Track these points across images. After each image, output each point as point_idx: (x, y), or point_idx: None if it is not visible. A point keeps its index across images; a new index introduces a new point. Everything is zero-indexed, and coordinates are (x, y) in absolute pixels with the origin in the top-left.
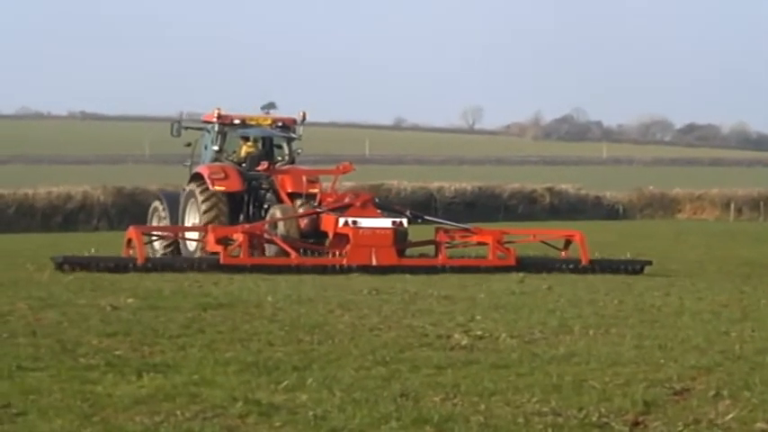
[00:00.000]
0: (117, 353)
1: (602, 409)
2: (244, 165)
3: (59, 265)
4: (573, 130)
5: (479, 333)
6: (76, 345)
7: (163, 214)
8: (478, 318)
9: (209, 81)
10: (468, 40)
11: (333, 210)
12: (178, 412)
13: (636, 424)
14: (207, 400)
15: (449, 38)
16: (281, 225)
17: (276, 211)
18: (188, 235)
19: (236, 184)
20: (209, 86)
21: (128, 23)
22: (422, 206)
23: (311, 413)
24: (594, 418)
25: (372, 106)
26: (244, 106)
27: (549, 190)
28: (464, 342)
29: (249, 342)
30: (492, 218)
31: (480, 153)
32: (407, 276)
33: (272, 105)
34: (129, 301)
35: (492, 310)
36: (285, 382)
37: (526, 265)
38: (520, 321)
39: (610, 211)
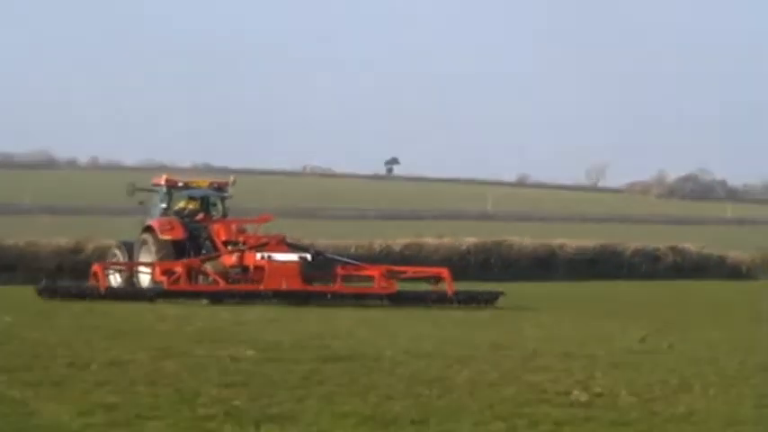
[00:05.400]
0: (235, 403)
1: None
2: (186, 219)
3: (39, 293)
4: (697, 189)
5: (598, 390)
6: (195, 395)
7: (121, 258)
8: (598, 375)
9: (330, 137)
10: (593, 98)
11: (252, 248)
12: None
13: None
14: None
15: (575, 96)
16: (211, 265)
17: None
18: (141, 273)
19: (179, 234)
20: (329, 142)
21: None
22: (543, 262)
23: None
24: None
25: (496, 163)
26: (367, 160)
27: (672, 249)
28: (583, 399)
29: (367, 395)
30: (614, 275)
31: (603, 211)
32: (527, 333)
33: (395, 161)
34: (249, 352)
35: (612, 367)
36: None
37: (403, 295)
38: (639, 379)
39: (733, 271)
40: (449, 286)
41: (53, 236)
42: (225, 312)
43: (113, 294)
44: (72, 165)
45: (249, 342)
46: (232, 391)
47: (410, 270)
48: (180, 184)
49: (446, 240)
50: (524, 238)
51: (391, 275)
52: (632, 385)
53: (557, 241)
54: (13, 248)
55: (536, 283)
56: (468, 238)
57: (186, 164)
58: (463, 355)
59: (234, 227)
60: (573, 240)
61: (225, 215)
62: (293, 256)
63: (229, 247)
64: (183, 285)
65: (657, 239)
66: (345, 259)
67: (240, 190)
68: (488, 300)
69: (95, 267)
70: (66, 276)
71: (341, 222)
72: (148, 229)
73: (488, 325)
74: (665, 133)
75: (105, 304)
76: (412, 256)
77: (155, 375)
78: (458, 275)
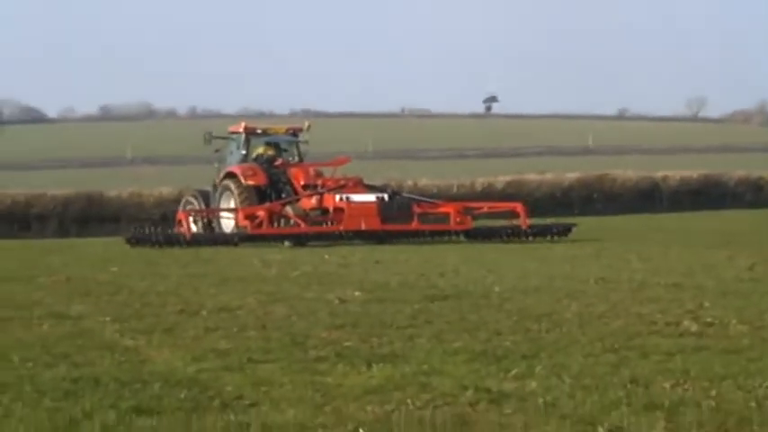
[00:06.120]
0: (346, 344)
1: None
2: (264, 164)
3: (128, 241)
4: None
5: (709, 320)
6: (306, 337)
7: (197, 206)
8: (707, 305)
9: (428, 77)
10: (691, 28)
11: (331, 190)
12: (409, 401)
13: None
14: (437, 388)
15: (671, 27)
16: (291, 208)
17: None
18: (224, 218)
19: (262, 179)
20: (427, 82)
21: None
22: (646, 195)
23: (541, 400)
24: None
25: (595, 97)
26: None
27: None
28: (693, 329)
29: (477, 332)
30: (718, 205)
31: (705, 141)
32: (633, 265)
33: (493, 99)
34: (357, 294)
35: (721, 296)
36: (514, 371)
37: (478, 231)
38: (750, 308)
39: None
40: (523, 221)
41: (155, 186)
42: (329, 256)
43: (199, 240)
44: (171, 115)
45: (356, 284)
46: (342, 333)
47: (485, 206)
48: (258, 131)
49: (548, 176)
50: (627, 172)
51: (467, 212)
52: (742, 314)
53: (659, 173)
54: (116, 200)
55: (640, 216)
56: (570, 174)
57: (285, 111)
58: (571, 289)
59: (312, 171)
60: (676, 172)
61: (301, 160)
62: (371, 197)
63: (308, 191)
64: (266, 229)
65: (761, 168)
66: (421, 198)
67: (339, 133)
68: (561, 232)
69: (180, 215)
70: (169, 226)
71: (441, 162)
72: (230, 175)
73: (595, 259)
74: (763, 61)
75: (210, 252)
76: (514, 194)
77: (265, 320)
78: (561, 211)
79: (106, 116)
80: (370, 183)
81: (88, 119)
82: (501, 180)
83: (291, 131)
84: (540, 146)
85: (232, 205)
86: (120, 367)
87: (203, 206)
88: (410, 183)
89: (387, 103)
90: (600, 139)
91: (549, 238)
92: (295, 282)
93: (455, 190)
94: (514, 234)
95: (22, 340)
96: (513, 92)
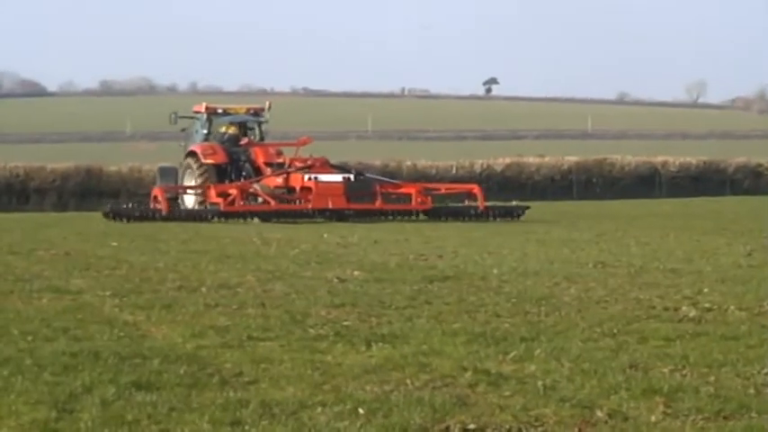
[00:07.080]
0: (345, 323)
1: None
2: (226, 143)
3: (106, 215)
4: None
5: (707, 305)
6: (305, 316)
7: (158, 182)
8: (706, 290)
9: (428, 59)
10: (690, 14)
11: (299, 170)
12: (408, 381)
13: None
14: (436, 369)
15: (672, 13)
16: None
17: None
18: (187, 194)
19: (221, 158)
20: (427, 64)
21: None
22: (646, 180)
23: (540, 383)
24: None
25: (595, 81)
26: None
27: None
28: (692, 314)
29: (476, 313)
30: (717, 192)
31: (705, 128)
32: (632, 250)
33: (493, 81)
34: (356, 273)
35: (719, 282)
36: (513, 353)
37: (438, 211)
38: (748, 294)
39: None
40: (480, 202)
41: (155, 161)
42: (327, 235)
43: (174, 216)
44: (172, 91)
45: (355, 263)
46: (341, 312)
47: (443, 187)
48: (219, 111)
49: (547, 159)
50: (626, 157)
51: (427, 192)
52: (741, 300)
53: (659, 159)
54: (115, 175)
55: (639, 201)
56: (569, 157)
57: (286, 89)
58: (570, 273)
59: (272, 150)
60: (675, 157)
61: (262, 139)
62: (338, 177)
63: (269, 170)
64: (239, 206)
65: (760, 155)
66: (384, 179)
67: (339, 113)
68: (516, 214)
69: (156, 191)
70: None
71: (441, 143)
72: (191, 153)
73: (593, 243)
74: (764, 48)
75: (210, 229)
76: (513, 176)
77: (264, 297)
78: (561, 195)
79: (106, 91)
80: (337, 163)
81: (88, 93)
82: (500, 162)
83: (252, 111)
84: (540, 129)
85: (192, 183)
86: (120, 342)
87: (162, 181)
88: (408, 163)
89: (387, 84)
90: (599, 124)
91: (507, 218)
92: (294, 260)
93: (454, 171)
94: (472, 214)
95: (21, 314)
96: (513, 74)
